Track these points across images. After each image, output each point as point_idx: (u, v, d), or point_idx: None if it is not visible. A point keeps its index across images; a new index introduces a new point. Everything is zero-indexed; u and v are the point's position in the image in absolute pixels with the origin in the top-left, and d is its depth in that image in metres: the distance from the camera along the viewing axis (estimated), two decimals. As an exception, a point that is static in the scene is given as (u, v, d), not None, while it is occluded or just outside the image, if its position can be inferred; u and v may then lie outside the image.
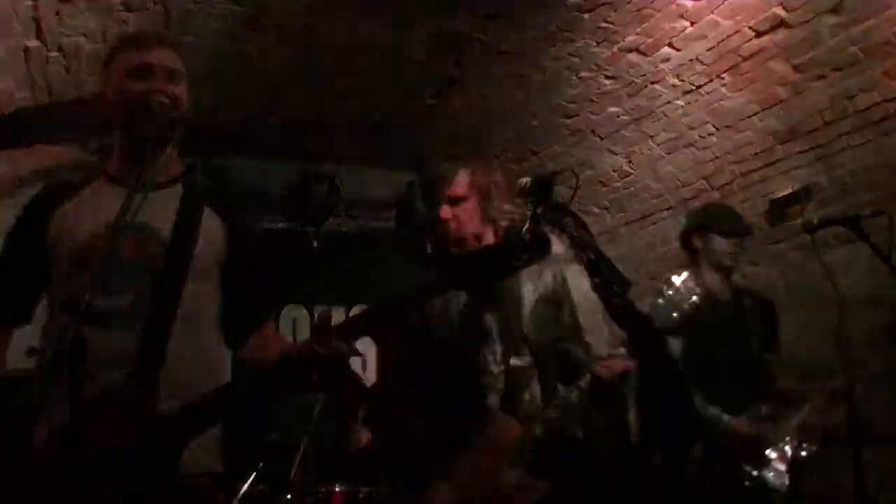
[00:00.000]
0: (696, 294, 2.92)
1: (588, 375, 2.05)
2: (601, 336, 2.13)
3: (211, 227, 1.77)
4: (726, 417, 2.81)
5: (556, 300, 2.26)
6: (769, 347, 3.15)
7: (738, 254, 3.13)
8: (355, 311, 5.93)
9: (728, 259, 3.11)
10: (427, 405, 2.14)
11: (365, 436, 4.52)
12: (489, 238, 2.28)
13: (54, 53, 3.83)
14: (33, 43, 3.70)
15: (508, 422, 2.07)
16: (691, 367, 2.88)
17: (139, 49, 1.74)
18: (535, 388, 2.16)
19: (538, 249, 1.56)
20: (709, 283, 3.09)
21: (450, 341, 2.17)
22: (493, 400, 2.10)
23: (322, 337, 1.51)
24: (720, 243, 3.10)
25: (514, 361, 2.14)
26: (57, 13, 3.53)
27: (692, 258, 3.17)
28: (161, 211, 1.69)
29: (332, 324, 1.57)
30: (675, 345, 2.90)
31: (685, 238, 3.24)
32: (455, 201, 2.29)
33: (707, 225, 3.15)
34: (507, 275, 1.58)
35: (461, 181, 2.31)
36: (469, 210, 2.28)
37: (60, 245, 1.67)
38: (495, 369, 2.13)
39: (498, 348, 2.15)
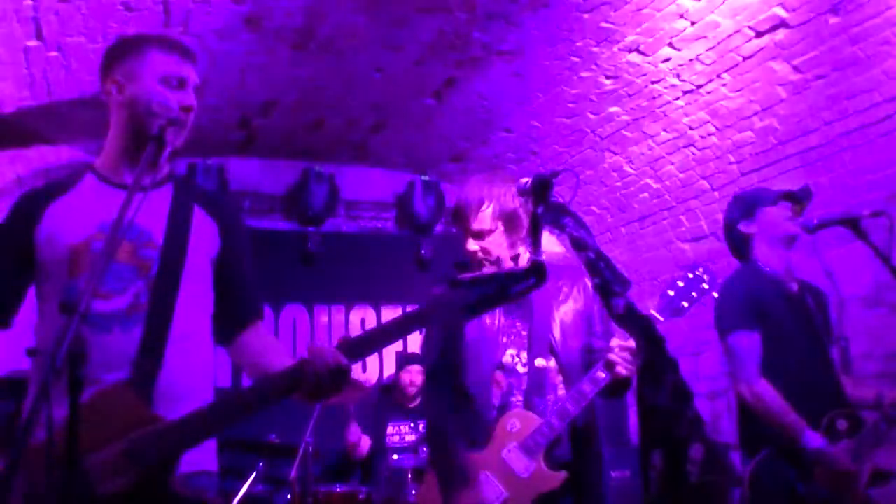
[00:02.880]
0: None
1: (602, 365, 2.14)
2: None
3: (202, 226, 1.77)
4: (826, 447, 2.50)
5: (585, 313, 2.35)
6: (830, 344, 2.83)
7: (798, 215, 2.78)
8: (356, 311, 5.96)
9: (789, 224, 2.77)
10: (458, 401, 2.28)
11: (365, 441, 4.53)
12: (524, 258, 2.27)
13: (54, 53, 3.83)
14: (33, 43, 3.70)
15: (527, 416, 2.21)
16: (766, 368, 2.65)
17: (177, 58, 1.74)
18: (562, 391, 2.27)
19: (535, 276, 1.60)
20: (773, 273, 2.78)
21: (482, 342, 2.30)
22: (517, 399, 2.24)
23: (324, 354, 1.53)
24: (774, 212, 2.79)
25: (538, 362, 2.26)
26: (57, 13, 3.53)
27: (744, 252, 2.87)
28: (152, 212, 1.68)
29: (341, 339, 1.60)
30: (754, 340, 2.67)
31: (732, 231, 2.90)
32: (480, 236, 2.30)
33: (753, 203, 2.85)
34: (504, 302, 1.64)
35: (484, 215, 2.30)
36: (496, 241, 2.29)
37: (51, 246, 1.65)
38: (521, 370, 2.27)
39: (525, 352, 2.28)
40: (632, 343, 2.09)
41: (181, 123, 1.66)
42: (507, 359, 2.29)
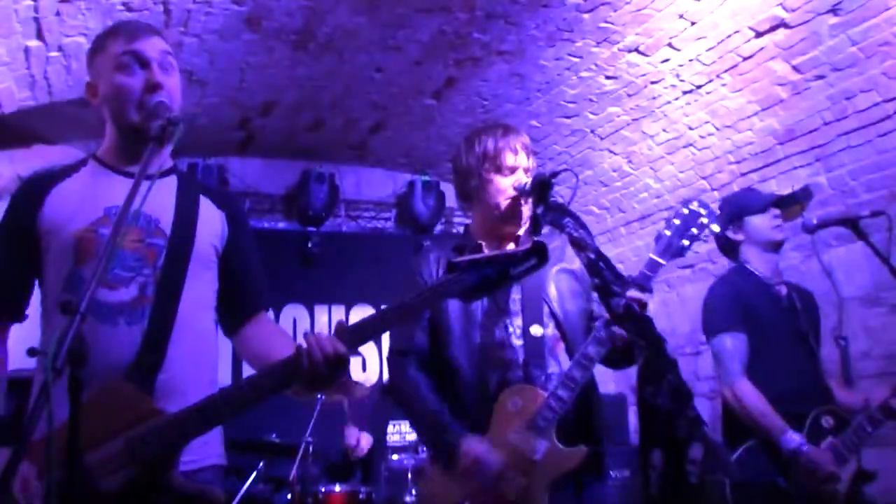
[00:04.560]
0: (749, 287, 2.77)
1: (603, 323, 1.97)
2: None
3: (209, 216, 1.76)
4: (806, 448, 2.52)
5: (582, 278, 2.19)
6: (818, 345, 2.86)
7: (783, 224, 2.83)
8: (356, 311, 5.94)
9: (776, 232, 2.83)
10: (447, 384, 2.08)
11: (366, 439, 4.53)
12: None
13: (54, 53, 3.83)
14: (33, 43, 3.70)
15: (530, 390, 2.00)
16: (753, 369, 2.68)
17: (130, 39, 1.68)
18: (564, 359, 2.09)
19: (537, 258, 1.56)
20: (761, 276, 2.83)
21: (466, 315, 2.10)
22: (515, 374, 2.04)
23: (321, 339, 1.50)
24: (761, 220, 2.85)
25: (534, 330, 2.07)
26: (57, 13, 3.53)
27: (733, 255, 2.92)
28: (158, 202, 1.65)
29: (344, 327, 1.54)
30: (739, 342, 2.71)
31: (720, 236, 2.93)
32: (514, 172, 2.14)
33: (740, 211, 2.89)
34: (506, 283, 1.57)
35: (525, 151, 2.17)
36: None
37: (56, 231, 1.62)
38: (516, 342, 2.07)
39: (519, 321, 2.09)
40: (642, 296, 1.93)
41: (161, 109, 1.59)
42: (499, 331, 2.08)
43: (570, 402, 1.95)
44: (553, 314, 2.11)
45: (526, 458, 1.94)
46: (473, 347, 2.07)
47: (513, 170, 2.15)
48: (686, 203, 2.04)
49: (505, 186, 2.14)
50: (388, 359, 2.21)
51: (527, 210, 2.13)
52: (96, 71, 1.72)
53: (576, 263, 2.18)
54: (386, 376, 2.30)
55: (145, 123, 1.60)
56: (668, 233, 2.01)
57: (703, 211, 2.00)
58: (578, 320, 2.14)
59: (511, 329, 2.09)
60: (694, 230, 2.00)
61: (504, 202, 2.14)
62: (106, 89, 1.69)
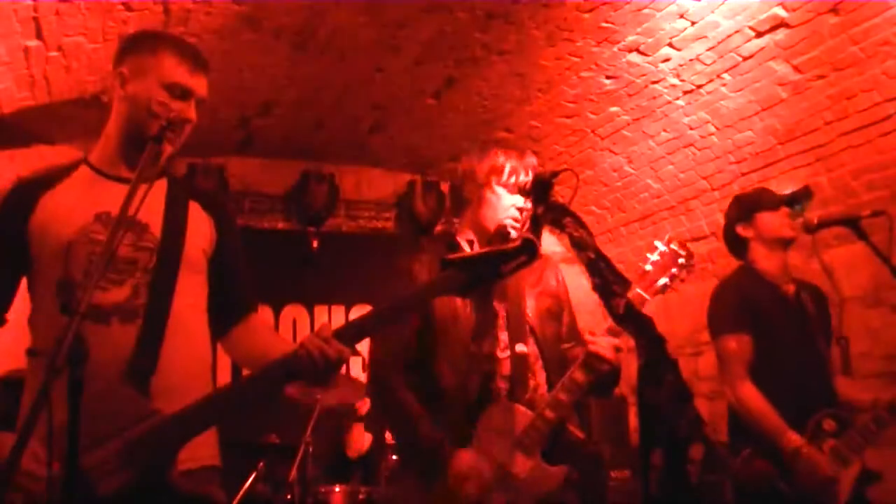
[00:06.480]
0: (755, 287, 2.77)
1: (582, 356, 2.02)
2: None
3: (198, 220, 1.77)
4: (806, 449, 2.52)
5: (557, 301, 2.26)
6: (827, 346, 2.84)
7: (794, 222, 2.80)
8: (356, 311, 5.94)
9: (786, 229, 2.80)
10: (429, 393, 2.08)
11: (367, 437, 4.53)
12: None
13: (54, 53, 3.83)
14: (33, 43, 3.70)
15: (516, 408, 2.03)
16: (759, 371, 2.67)
17: (189, 68, 1.69)
18: (541, 375, 2.14)
19: (527, 254, 1.58)
20: (768, 275, 2.81)
21: (455, 325, 2.11)
22: (499, 387, 2.07)
23: (322, 341, 1.51)
24: (772, 218, 2.82)
25: (519, 347, 2.11)
26: (57, 13, 3.53)
27: (741, 252, 2.91)
28: (149, 205, 1.62)
29: (336, 327, 1.56)
30: (744, 344, 2.70)
31: (729, 232, 2.94)
32: (525, 196, 2.19)
33: (751, 207, 2.88)
34: (497, 278, 1.60)
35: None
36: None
37: (47, 237, 1.63)
38: (500, 355, 2.10)
39: (504, 335, 2.13)
40: (611, 339, 2.00)
41: (179, 127, 1.63)
42: (487, 343, 2.10)
43: (556, 423, 1.99)
44: (532, 331, 2.16)
45: (511, 475, 1.97)
46: (461, 355, 2.08)
47: (520, 188, 2.20)
48: (668, 241, 2.05)
49: (507, 204, 2.19)
50: (373, 363, 2.19)
51: (518, 234, 2.16)
52: (137, 68, 1.70)
53: (554, 283, 2.25)
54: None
55: (153, 138, 1.61)
56: (649, 268, 2.03)
57: (682, 252, 2.02)
58: (555, 343, 2.20)
59: (498, 343, 2.12)
60: (674, 269, 2.02)
61: (500, 221, 2.18)
62: (140, 95, 1.68)
